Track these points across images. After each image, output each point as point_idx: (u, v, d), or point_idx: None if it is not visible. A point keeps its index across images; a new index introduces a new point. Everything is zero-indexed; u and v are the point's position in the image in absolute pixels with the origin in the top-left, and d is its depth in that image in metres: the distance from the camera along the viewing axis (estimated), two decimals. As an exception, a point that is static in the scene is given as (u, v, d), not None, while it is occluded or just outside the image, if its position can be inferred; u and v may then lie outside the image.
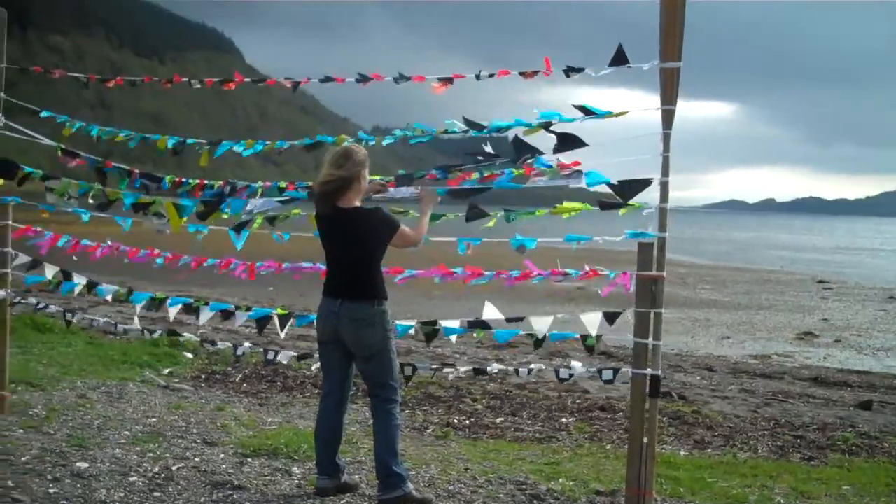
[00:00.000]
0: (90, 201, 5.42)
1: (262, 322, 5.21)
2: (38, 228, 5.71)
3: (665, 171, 3.97)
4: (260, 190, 4.97)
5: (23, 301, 6.05)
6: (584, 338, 4.45)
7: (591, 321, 4.38)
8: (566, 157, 4.28)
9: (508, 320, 4.67)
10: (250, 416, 6.10)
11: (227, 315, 5.31)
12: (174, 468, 4.59)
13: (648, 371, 4.03)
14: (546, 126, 4.31)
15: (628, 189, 4.15)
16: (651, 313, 3.99)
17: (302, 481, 4.53)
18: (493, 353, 10.22)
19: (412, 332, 4.83)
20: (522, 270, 4.61)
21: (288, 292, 15.53)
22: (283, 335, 5.29)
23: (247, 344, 5.56)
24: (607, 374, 4.49)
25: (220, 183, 5.08)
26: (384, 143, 5.08)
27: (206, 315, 5.29)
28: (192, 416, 5.88)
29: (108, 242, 5.59)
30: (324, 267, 4.38)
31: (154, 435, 5.25)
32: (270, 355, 5.31)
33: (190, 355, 8.46)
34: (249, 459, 4.88)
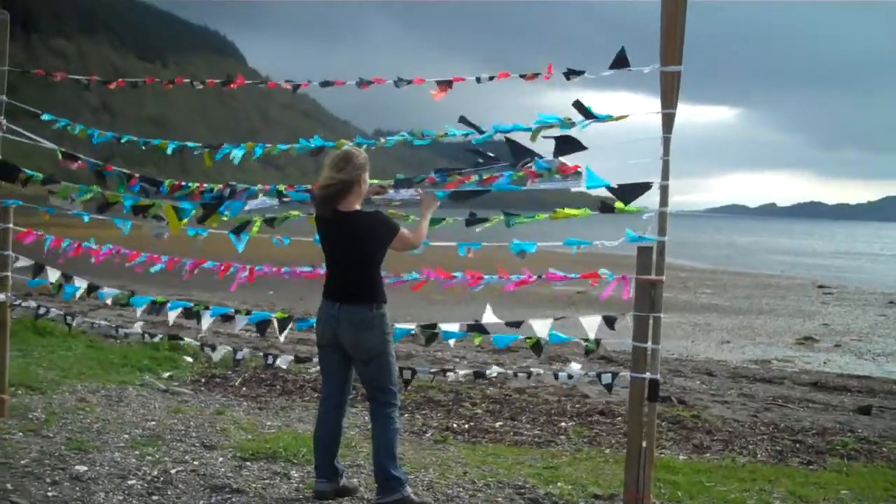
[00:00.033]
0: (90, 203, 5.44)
1: (263, 325, 5.22)
2: (40, 232, 5.73)
3: (665, 175, 3.98)
4: (259, 195, 4.98)
5: (23, 304, 6.05)
6: (584, 340, 4.46)
7: (590, 324, 4.39)
8: (566, 161, 4.28)
9: (508, 324, 4.68)
10: (249, 420, 6.10)
11: (227, 319, 5.33)
12: (173, 471, 4.59)
13: (647, 375, 4.03)
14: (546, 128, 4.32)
15: (628, 193, 4.15)
16: (650, 317, 4.00)
17: (301, 485, 4.53)
18: (493, 357, 10.21)
19: (412, 334, 4.84)
20: (521, 276, 4.62)
21: (288, 296, 15.55)
22: (282, 339, 5.29)
23: (245, 350, 5.56)
24: (606, 378, 4.50)
25: (220, 186, 5.09)
26: (387, 144, 5.08)
27: (207, 320, 5.30)
28: (192, 420, 5.88)
29: (109, 246, 5.60)
30: (323, 270, 4.39)
31: (153, 438, 5.26)
32: (270, 359, 5.31)
33: (190, 359, 8.46)
34: (248, 463, 4.88)
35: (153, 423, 5.71)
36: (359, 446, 5.41)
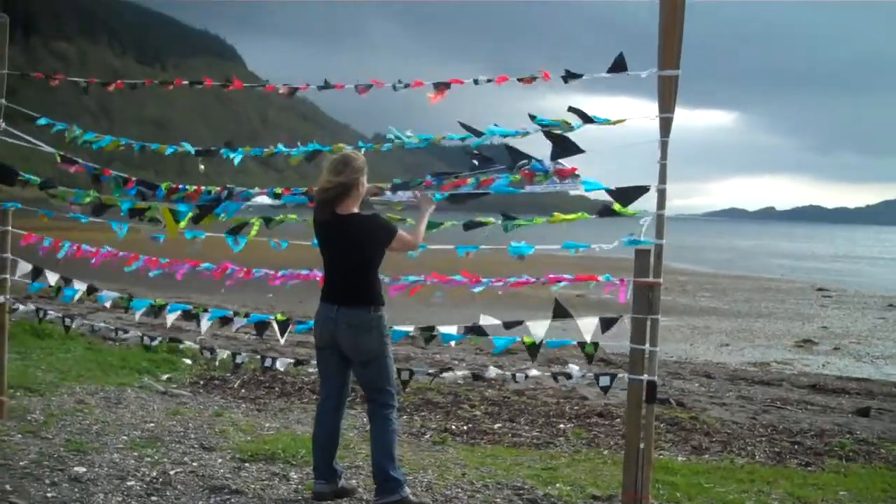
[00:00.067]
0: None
1: (262, 326, 5.23)
2: (39, 235, 5.74)
3: (662, 179, 3.99)
4: (256, 198, 4.99)
5: (22, 307, 6.06)
6: (583, 345, 4.46)
7: (587, 326, 4.39)
8: (564, 164, 4.29)
9: (506, 325, 4.69)
10: (248, 422, 6.11)
11: (226, 322, 5.34)
12: (172, 473, 4.60)
13: (645, 377, 4.04)
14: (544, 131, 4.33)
15: (626, 196, 4.17)
16: (648, 320, 4.01)
17: (299, 486, 4.54)
18: (491, 360, 10.21)
19: (411, 336, 4.84)
20: (519, 279, 4.63)
21: (287, 299, 15.52)
22: (282, 341, 5.31)
23: (244, 354, 5.57)
24: (604, 381, 4.51)
25: (218, 189, 5.11)
26: (383, 148, 5.09)
27: (206, 323, 5.32)
28: (191, 422, 5.89)
29: (107, 248, 5.61)
30: (320, 274, 4.40)
31: (152, 440, 5.27)
32: (268, 362, 5.32)
33: (189, 361, 8.47)
34: (247, 464, 4.89)
35: (152, 424, 5.72)
36: (357, 448, 5.42)
